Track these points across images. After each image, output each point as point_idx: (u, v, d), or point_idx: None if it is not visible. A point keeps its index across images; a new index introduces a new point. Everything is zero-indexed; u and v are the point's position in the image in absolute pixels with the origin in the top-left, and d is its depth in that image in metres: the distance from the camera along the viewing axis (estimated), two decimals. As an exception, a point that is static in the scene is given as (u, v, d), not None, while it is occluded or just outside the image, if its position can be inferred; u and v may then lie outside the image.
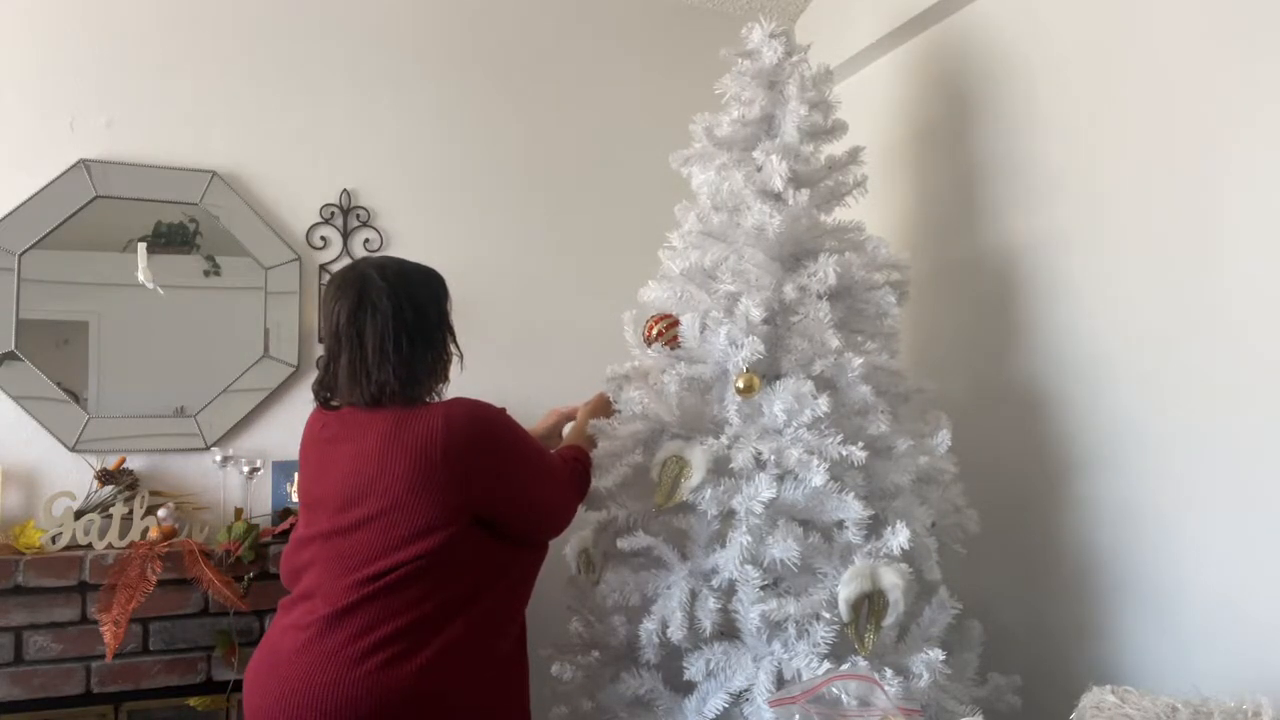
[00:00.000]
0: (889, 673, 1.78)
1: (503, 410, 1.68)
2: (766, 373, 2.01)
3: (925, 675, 1.81)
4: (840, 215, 2.23)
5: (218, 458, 2.55)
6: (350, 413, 1.63)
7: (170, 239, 2.60)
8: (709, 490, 1.89)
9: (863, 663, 1.77)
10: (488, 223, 2.96)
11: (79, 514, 2.35)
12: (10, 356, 2.43)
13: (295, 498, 2.61)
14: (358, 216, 2.81)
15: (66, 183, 2.50)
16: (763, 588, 1.84)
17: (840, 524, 1.90)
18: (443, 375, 1.70)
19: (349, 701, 1.43)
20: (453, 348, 1.72)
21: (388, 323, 1.58)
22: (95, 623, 2.19)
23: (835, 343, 1.98)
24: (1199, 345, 1.94)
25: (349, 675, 1.44)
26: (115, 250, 2.55)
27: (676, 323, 2.10)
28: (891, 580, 1.79)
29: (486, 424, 1.61)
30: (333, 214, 2.79)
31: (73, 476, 2.44)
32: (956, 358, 2.60)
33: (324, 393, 1.67)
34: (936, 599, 1.98)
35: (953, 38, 2.65)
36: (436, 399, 1.71)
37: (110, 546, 2.31)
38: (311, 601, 1.55)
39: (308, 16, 2.80)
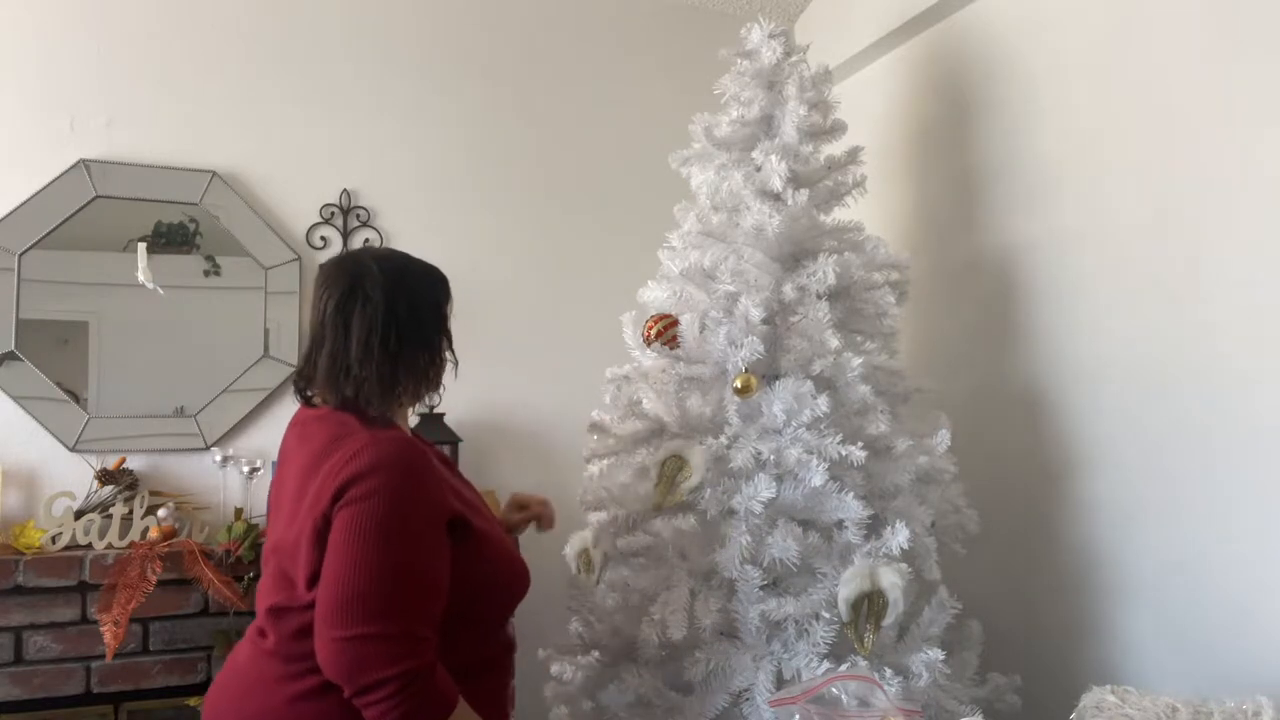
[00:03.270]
0: (889, 672, 1.78)
1: (421, 471, 1.38)
2: (766, 373, 2.01)
3: (925, 675, 1.81)
4: (839, 215, 2.23)
5: (218, 458, 2.55)
6: (312, 418, 1.49)
7: (170, 239, 2.60)
8: (709, 490, 1.89)
9: (863, 663, 1.77)
10: (487, 222, 2.96)
11: (79, 514, 2.35)
12: (10, 356, 2.43)
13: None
14: (358, 216, 2.82)
15: (66, 183, 2.50)
16: (762, 588, 1.84)
17: (840, 524, 1.90)
18: (433, 381, 1.54)
19: None
20: (448, 354, 1.56)
21: (378, 316, 1.44)
22: (95, 623, 2.19)
23: (834, 343, 1.98)
24: (1198, 344, 1.94)
25: (276, 699, 1.36)
26: (115, 250, 2.55)
27: (675, 323, 2.10)
28: (891, 580, 1.79)
29: (369, 477, 1.32)
30: (333, 214, 2.79)
31: (73, 476, 2.44)
32: (956, 358, 2.60)
33: (302, 384, 1.53)
34: (936, 599, 1.98)
35: (952, 38, 2.65)
36: (420, 405, 1.60)
37: (110, 546, 2.31)
38: (260, 616, 1.45)
39: (307, 17, 2.80)
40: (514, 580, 1.54)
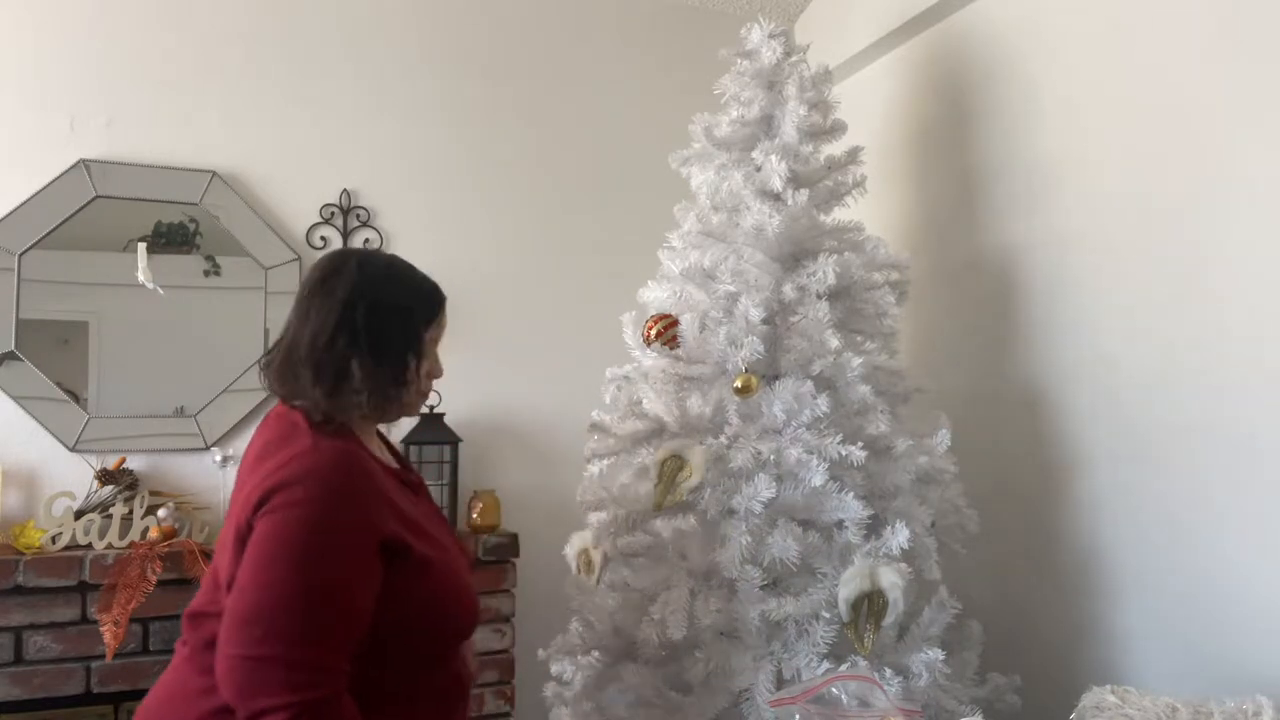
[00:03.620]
0: (889, 672, 1.78)
1: (357, 486, 1.26)
2: (766, 373, 2.01)
3: (925, 675, 1.81)
4: (839, 215, 2.23)
5: (218, 458, 2.55)
6: (274, 415, 1.41)
7: (170, 239, 2.60)
8: (709, 490, 1.89)
9: (863, 663, 1.77)
10: (487, 222, 2.96)
11: (79, 514, 2.35)
12: (10, 356, 2.43)
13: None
14: (358, 216, 2.82)
15: (66, 183, 2.50)
16: (762, 588, 1.84)
17: (840, 524, 1.90)
18: (397, 400, 1.39)
19: None
20: (413, 373, 1.39)
21: (332, 313, 1.33)
22: (95, 623, 2.19)
23: (834, 343, 1.98)
24: (1198, 344, 1.94)
25: (189, 715, 1.26)
26: (115, 250, 2.55)
27: (675, 323, 2.10)
28: (891, 580, 1.79)
29: (296, 486, 1.22)
30: (333, 214, 2.79)
31: (73, 476, 2.44)
32: (956, 358, 2.60)
33: (266, 371, 1.42)
34: (936, 599, 1.98)
35: (952, 38, 2.65)
36: (383, 423, 1.47)
37: (110, 546, 2.31)
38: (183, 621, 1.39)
39: (307, 17, 2.80)
40: (457, 613, 1.39)
